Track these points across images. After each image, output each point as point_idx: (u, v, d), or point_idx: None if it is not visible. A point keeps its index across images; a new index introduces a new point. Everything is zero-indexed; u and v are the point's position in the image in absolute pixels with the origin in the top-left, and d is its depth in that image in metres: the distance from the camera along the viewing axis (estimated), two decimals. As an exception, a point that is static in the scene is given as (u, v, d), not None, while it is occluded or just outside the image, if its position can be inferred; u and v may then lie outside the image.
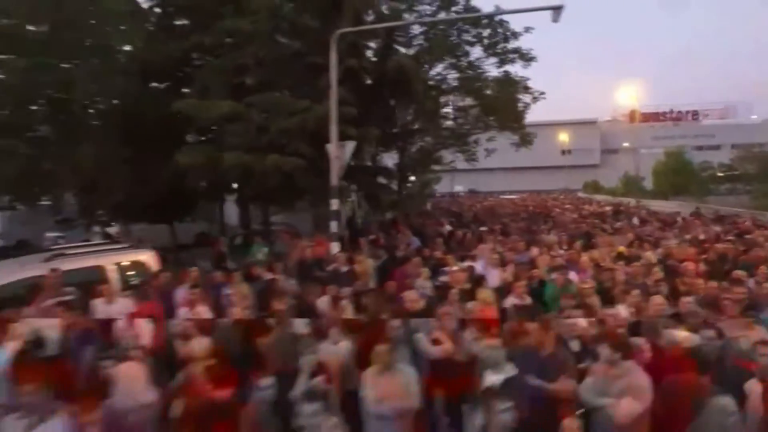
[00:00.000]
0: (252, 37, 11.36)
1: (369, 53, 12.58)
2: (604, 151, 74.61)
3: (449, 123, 18.73)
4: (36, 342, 4.86)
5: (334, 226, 9.65)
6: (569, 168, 62.31)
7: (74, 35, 20.05)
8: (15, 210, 22.01)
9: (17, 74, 19.51)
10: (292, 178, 10.55)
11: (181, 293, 6.65)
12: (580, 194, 53.70)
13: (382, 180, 15.61)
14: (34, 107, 21.46)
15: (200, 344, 4.38)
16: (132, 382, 4.14)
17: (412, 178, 22.92)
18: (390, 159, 20.15)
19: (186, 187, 14.11)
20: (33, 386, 3.61)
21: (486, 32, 17.83)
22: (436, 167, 23.27)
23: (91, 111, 21.90)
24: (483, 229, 14.07)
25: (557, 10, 8.76)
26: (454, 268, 8.26)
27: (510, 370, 4.21)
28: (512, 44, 18.16)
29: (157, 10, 18.13)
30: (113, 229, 19.62)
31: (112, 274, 7.77)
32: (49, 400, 3.64)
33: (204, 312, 6.11)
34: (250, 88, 12.32)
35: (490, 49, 17.72)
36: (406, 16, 16.04)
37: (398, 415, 4.03)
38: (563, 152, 65.86)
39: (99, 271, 7.70)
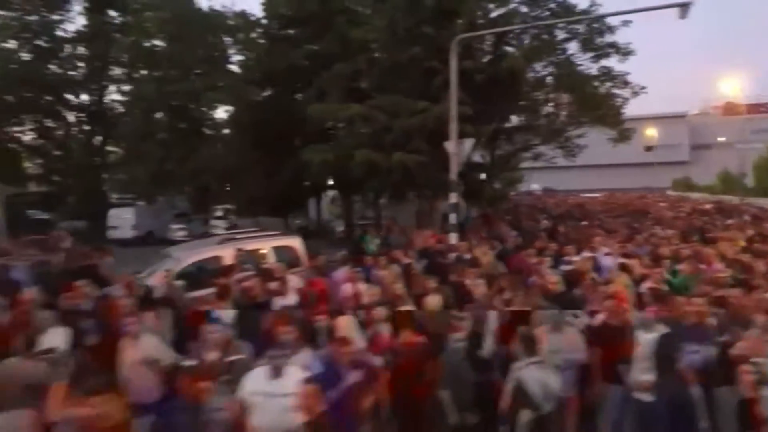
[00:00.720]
0: (370, 45, 12.41)
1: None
2: (693, 147, 69.72)
3: (544, 120, 18.85)
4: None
5: (453, 218, 10.42)
6: (654, 165, 58.92)
7: (191, 49, 22.64)
8: (136, 206, 25.03)
9: (148, 86, 22.34)
10: (410, 173, 11.47)
11: (341, 272, 7.74)
12: (669, 192, 50.72)
13: (480, 177, 16.18)
14: (158, 115, 24.48)
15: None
16: (347, 332, 5.15)
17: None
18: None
19: (298, 184, 15.60)
20: (286, 329, 4.71)
21: (581, 28, 17.80)
22: (523, 165, 23.43)
23: (210, 118, 24.59)
24: (584, 223, 14.29)
25: (684, 6, 8.88)
26: (575, 258, 8.79)
27: (662, 329, 4.78)
28: (608, 38, 18.04)
29: (264, 21, 20.02)
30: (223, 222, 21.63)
31: (270, 256, 9.10)
32: (296, 339, 4.72)
33: (364, 288, 7.13)
34: (364, 91, 13.40)
35: (586, 45, 17.71)
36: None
37: (569, 366, 4.78)
38: (647, 148, 62.19)
39: (259, 253, 9.05)
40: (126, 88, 28.75)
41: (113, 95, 28.62)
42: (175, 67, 23.37)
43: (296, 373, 3.90)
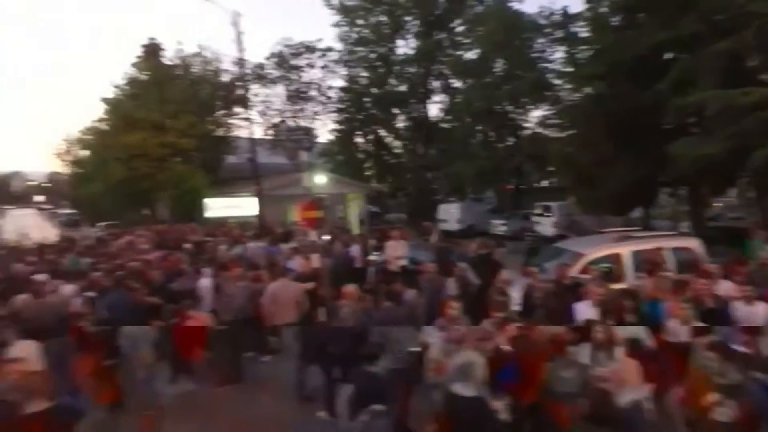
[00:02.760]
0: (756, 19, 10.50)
1: None
2: None
3: None
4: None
5: None
6: None
7: (514, 54, 23.95)
8: (461, 202, 27.91)
9: (474, 93, 24.69)
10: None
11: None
12: None
13: None
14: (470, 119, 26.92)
15: None
16: None
17: None
18: None
19: (648, 181, 14.55)
20: None
21: None
22: None
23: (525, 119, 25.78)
24: None
25: None
26: None
27: None
28: None
29: (588, 14, 19.36)
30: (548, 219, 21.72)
31: (669, 257, 8.72)
32: None
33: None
34: (747, 72, 11.50)
35: None
36: None
37: None
38: None
39: (659, 252, 8.77)
40: (441, 98, 33.01)
41: (434, 105, 33.12)
42: (490, 74, 25.17)
43: None
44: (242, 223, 19.89)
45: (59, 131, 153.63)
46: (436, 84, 32.77)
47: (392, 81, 32.85)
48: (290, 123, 36.01)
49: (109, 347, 5.25)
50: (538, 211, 21.95)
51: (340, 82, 35.45)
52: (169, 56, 32.65)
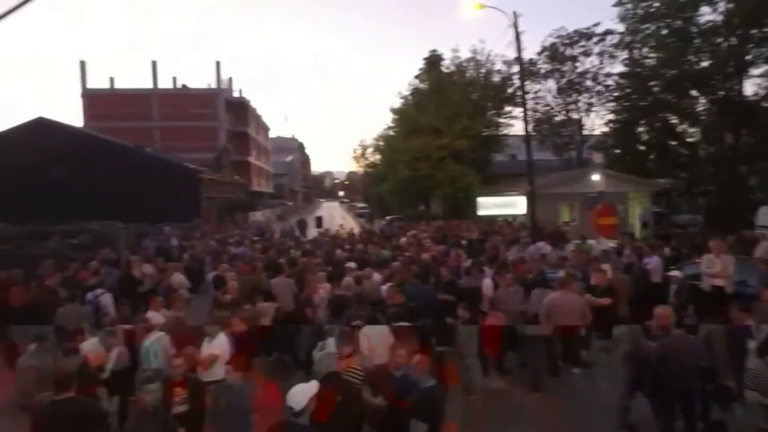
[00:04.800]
0: None
1: None
2: None
3: None
4: None
5: None
6: None
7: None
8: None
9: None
10: None
11: None
12: None
13: None
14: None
15: None
16: None
17: None
18: None
19: None
20: None
21: None
22: None
23: None
24: None
25: None
26: None
27: None
28: None
29: None
30: None
31: None
32: None
33: None
34: None
35: None
36: None
37: None
38: None
39: None
40: (762, 70, 25.81)
41: (750, 80, 26.32)
42: None
43: None
44: (509, 221, 20.06)
45: (357, 136, 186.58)
46: (755, 53, 25.87)
47: (690, 58, 27.50)
48: (559, 117, 34.41)
49: (437, 336, 5.99)
50: None
51: (620, 68, 31.87)
52: (446, 64, 35.48)
